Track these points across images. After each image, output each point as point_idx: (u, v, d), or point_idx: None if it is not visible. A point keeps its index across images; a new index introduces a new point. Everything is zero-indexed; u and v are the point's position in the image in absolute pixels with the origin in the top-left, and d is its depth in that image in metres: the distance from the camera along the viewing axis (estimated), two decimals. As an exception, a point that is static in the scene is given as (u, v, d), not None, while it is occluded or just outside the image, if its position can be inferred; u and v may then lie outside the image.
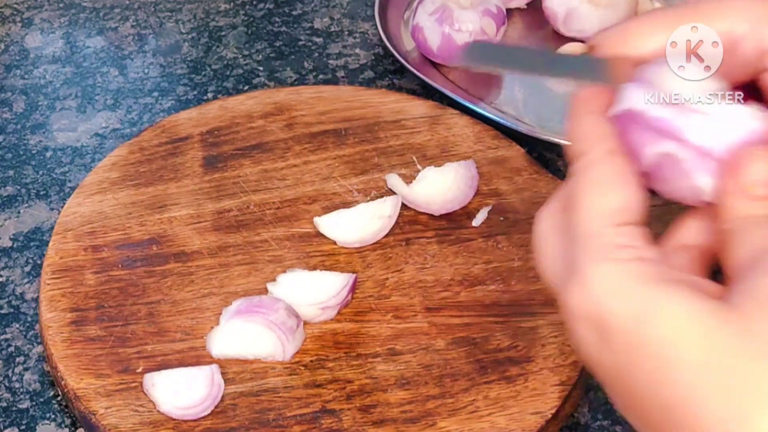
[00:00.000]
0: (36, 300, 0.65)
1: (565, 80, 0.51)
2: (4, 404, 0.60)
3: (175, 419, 0.55)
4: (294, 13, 0.91)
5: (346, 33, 0.88)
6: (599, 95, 0.40)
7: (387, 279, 0.62)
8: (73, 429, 0.58)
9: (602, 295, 0.36)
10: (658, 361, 0.35)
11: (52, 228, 0.67)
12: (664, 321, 0.34)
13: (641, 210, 0.37)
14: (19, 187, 0.73)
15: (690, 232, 0.40)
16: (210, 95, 0.82)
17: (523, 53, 0.49)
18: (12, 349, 0.63)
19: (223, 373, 0.57)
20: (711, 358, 0.34)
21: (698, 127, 0.37)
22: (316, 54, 0.86)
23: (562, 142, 0.72)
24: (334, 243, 0.64)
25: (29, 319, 0.64)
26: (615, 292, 0.35)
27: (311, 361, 0.58)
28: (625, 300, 0.35)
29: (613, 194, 0.37)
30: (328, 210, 0.66)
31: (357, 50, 0.86)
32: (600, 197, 0.37)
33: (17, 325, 0.64)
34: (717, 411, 0.33)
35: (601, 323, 0.36)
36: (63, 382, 0.57)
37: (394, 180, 0.68)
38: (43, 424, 0.59)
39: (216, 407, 0.55)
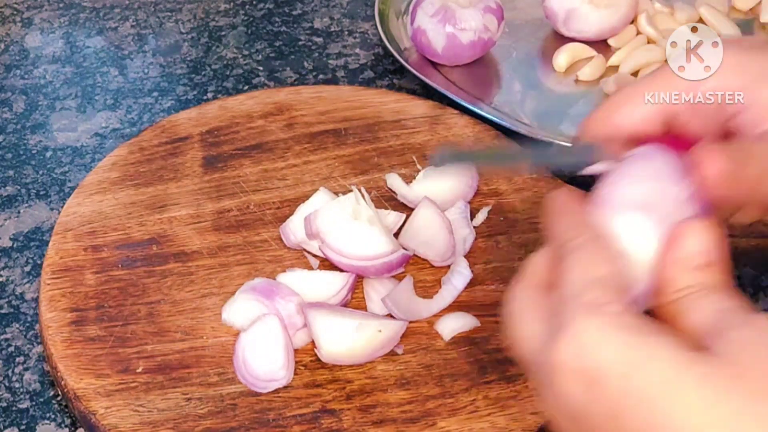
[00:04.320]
0: (36, 300, 0.65)
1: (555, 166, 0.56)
2: (4, 404, 0.60)
3: (175, 419, 0.55)
4: (294, 13, 0.91)
5: (346, 33, 0.88)
6: (573, 197, 0.44)
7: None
8: (73, 429, 0.58)
9: (593, 345, 0.38)
10: (651, 408, 0.36)
11: (52, 228, 0.67)
12: (653, 369, 0.37)
13: (623, 280, 0.40)
14: (19, 187, 0.73)
15: None
16: (210, 95, 0.82)
17: (506, 151, 0.57)
18: (12, 349, 0.63)
19: (222, 374, 0.57)
20: (706, 402, 0.36)
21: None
22: (316, 54, 0.86)
23: (562, 142, 0.72)
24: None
25: (29, 319, 0.64)
26: (604, 342, 0.37)
27: (311, 361, 0.58)
28: (615, 350, 0.37)
29: (600, 266, 0.40)
30: (328, 210, 0.66)
31: (357, 50, 0.86)
32: (589, 267, 0.40)
33: (17, 325, 0.64)
34: None
35: (591, 374, 0.38)
36: (63, 382, 0.57)
37: (394, 180, 0.68)
38: (43, 424, 0.59)
39: (216, 407, 0.55)
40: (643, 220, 0.43)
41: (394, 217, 0.65)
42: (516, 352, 0.43)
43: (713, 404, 0.35)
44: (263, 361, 0.56)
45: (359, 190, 0.63)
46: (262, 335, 0.57)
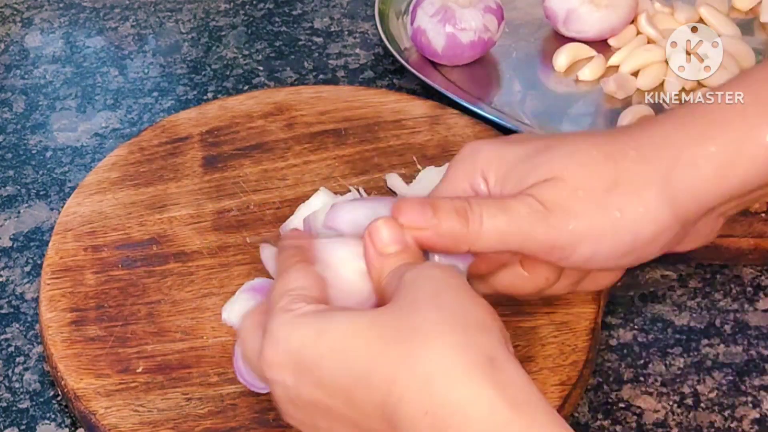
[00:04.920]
0: (36, 300, 0.65)
1: None
2: (4, 404, 0.60)
3: (175, 419, 0.55)
4: (294, 13, 0.91)
5: (346, 33, 0.88)
6: (301, 234, 0.54)
7: (387, 279, 0.62)
8: (73, 429, 0.58)
9: (284, 337, 0.44)
10: (339, 361, 0.43)
11: (52, 228, 0.67)
12: (333, 332, 0.43)
13: (313, 291, 0.47)
14: (19, 187, 0.74)
15: None
16: (210, 95, 0.82)
17: None
18: (12, 349, 0.63)
19: (222, 374, 0.57)
20: (375, 339, 0.42)
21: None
22: (316, 54, 0.86)
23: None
24: (334, 243, 0.64)
25: (29, 319, 0.64)
26: (292, 332, 0.44)
27: (311, 361, 0.58)
28: (301, 334, 0.44)
29: (295, 280, 0.47)
30: (328, 210, 0.66)
31: (357, 50, 0.86)
32: (286, 281, 0.47)
33: (17, 325, 0.64)
34: (387, 374, 0.41)
35: (291, 360, 0.44)
36: (63, 382, 0.57)
37: (394, 180, 0.68)
38: (43, 424, 0.59)
39: (216, 407, 0.55)
40: (349, 238, 0.49)
41: None
42: (250, 363, 0.48)
43: (379, 342, 0.42)
44: None
45: (358, 191, 0.63)
46: None
